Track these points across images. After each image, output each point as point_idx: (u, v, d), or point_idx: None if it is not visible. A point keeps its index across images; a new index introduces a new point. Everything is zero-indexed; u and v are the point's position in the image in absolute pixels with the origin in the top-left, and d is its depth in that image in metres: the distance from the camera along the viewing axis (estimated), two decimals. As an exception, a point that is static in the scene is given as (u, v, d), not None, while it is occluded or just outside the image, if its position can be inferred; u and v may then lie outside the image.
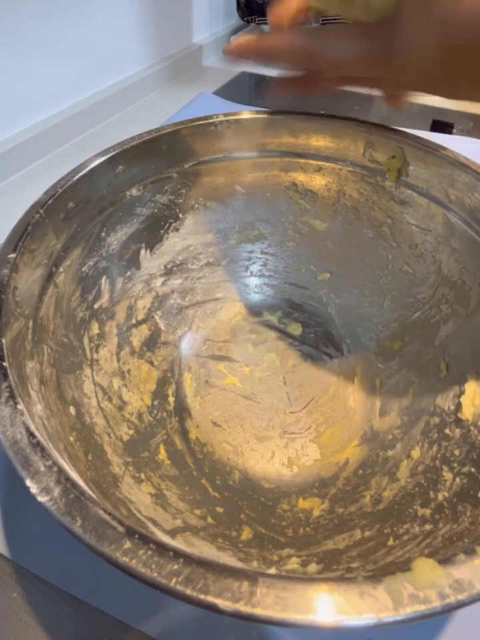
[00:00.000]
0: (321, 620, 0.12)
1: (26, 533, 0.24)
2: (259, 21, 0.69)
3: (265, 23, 0.70)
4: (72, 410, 0.23)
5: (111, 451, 0.24)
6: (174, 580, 0.12)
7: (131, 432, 0.26)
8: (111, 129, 0.54)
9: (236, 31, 0.76)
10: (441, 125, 0.54)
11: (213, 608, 0.12)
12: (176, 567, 0.13)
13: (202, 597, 0.12)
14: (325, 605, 0.12)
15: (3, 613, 0.22)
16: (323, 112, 0.31)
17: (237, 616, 0.12)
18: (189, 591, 0.12)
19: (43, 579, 0.22)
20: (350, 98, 0.62)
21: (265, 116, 0.31)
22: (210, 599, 0.12)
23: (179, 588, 0.12)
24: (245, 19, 0.70)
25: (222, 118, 0.30)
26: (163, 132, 0.29)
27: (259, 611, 0.12)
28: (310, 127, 0.31)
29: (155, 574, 0.12)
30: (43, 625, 0.21)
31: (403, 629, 0.21)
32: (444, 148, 0.28)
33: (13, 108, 0.46)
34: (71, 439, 0.21)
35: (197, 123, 0.29)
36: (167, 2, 0.60)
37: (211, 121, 0.30)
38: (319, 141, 0.31)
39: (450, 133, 0.53)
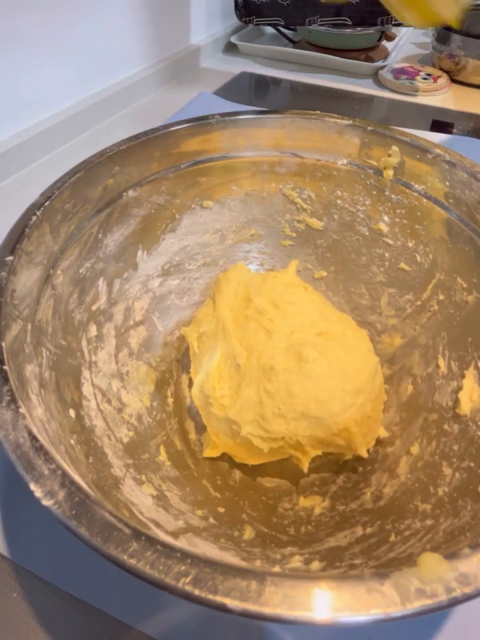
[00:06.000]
0: (328, 617, 0.12)
1: (26, 533, 0.24)
2: (257, 21, 0.69)
3: (264, 24, 0.70)
4: (72, 412, 0.23)
5: (112, 453, 0.24)
6: (182, 581, 0.12)
7: (131, 434, 0.26)
8: (110, 129, 0.54)
9: (234, 31, 0.76)
10: (441, 125, 0.55)
11: (221, 608, 0.12)
12: (183, 567, 0.13)
13: (211, 597, 0.12)
14: (333, 602, 0.12)
15: (3, 612, 0.21)
16: (318, 111, 0.31)
17: (246, 615, 0.12)
18: (197, 592, 0.12)
19: (43, 579, 0.22)
20: (349, 98, 0.63)
21: (261, 116, 0.31)
22: (218, 598, 0.12)
23: (187, 588, 0.12)
24: (243, 19, 0.70)
25: (218, 118, 0.30)
26: (159, 132, 0.29)
27: (267, 610, 0.12)
28: (306, 126, 0.31)
29: (163, 575, 0.12)
30: (43, 625, 0.21)
31: (403, 630, 0.21)
32: (439, 146, 0.28)
33: (13, 108, 0.46)
34: (72, 441, 0.21)
35: (193, 123, 0.29)
36: (165, 3, 0.60)
37: (207, 121, 0.30)
38: (316, 141, 0.31)
39: (450, 132, 0.54)
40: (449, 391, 0.26)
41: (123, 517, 0.14)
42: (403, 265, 0.31)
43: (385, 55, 0.71)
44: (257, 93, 0.67)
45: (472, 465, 0.22)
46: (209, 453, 0.27)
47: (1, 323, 0.19)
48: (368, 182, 0.31)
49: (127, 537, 0.13)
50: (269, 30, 0.80)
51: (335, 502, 0.25)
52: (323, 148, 0.31)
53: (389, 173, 0.30)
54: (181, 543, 0.20)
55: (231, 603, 0.12)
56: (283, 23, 0.68)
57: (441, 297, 0.29)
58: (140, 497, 0.22)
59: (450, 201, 0.28)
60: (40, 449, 0.15)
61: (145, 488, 0.23)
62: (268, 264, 0.36)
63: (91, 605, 0.22)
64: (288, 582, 0.12)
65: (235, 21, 0.74)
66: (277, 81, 0.67)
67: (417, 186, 0.29)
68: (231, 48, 0.75)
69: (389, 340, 0.31)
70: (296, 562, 0.21)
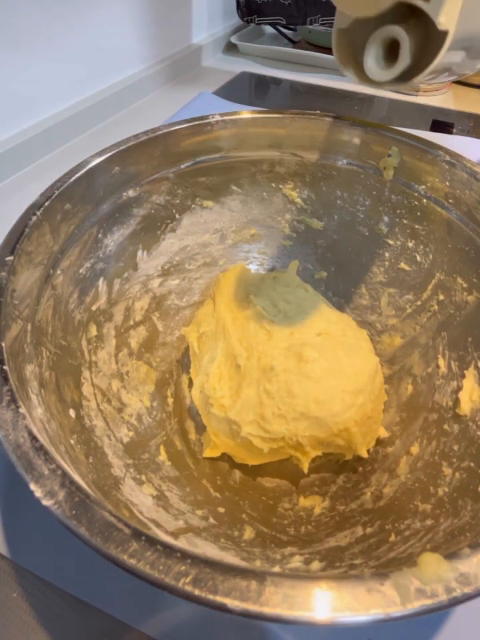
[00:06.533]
0: (328, 617, 0.12)
1: (26, 533, 0.24)
2: (258, 20, 0.69)
3: (265, 23, 0.70)
4: (72, 412, 0.23)
5: (112, 453, 0.24)
6: (182, 581, 0.12)
7: (131, 434, 0.26)
8: (111, 129, 0.54)
9: (235, 31, 0.76)
10: (441, 125, 0.55)
11: (221, 608, 0.12)
12: (183, 567, 0.13)
13: (211, 597, 0.12)
14: (333, 602, 0.12)
15: (3, 612, 0.21)
16: (318, 111, 0.31)
17: (246, 615, 0.12)
18: (197, 592, 0.12)
19: (43, 579, 0.22)
20: (349, 98, 0.63)
21: (261, 115, 0.31)
22: (219, 598, 0.12)
23: (188, 588, 0.12)
24: (245, 19, 0.69)
25: (218, 118, 0.30)
26: (159, 132, 0.29)
27: (267, 610, 0.12)
28: (307, 126, 0.31)
29: (163, 575, 0.12)
30: (43, 625, 0.21)
31: (403, 630, 0.21)
32: (439, 146, 0.28)
33: (13, 108, 0.46)
34: (72, 441, 0.21)
35: (193, 123, 0.29)
36: (166, 3, 0.60)
37: (207, 121, 0.30)
38: (316, 140, 0.31)
39: (450, 132, 0.54)
40: (448, 391, 0.26)
41: (123, 516, 0.14)
42: (403, 265, 0.31)
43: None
44: (257, 92, 0.67)
45: (472, 464, 0.22)
46: (209, 453, 0.27)
47: (1, 323, 0.19)
48: (368, 182, 0.31)
49: (126, 536, 0.13)
50: (269, 30, 0.79)
51: (335, 502, 0.25)
52: (323, 148, 0.31)
53: (389, 173, 0.30)
54: (181, 543, 0.20)
55: (231, 602, 0.12)
56: (284, 23, 0.68)
57: (441, 297, 0.29)
58: (140, 497, 0.22)
59: (450, 200, 0.28)
60: (40, 448, 0.15)
61: (145, 488, 0.23)
62: (268, 264, 0.36)
63: (91, 605, 0.22)
64: (288, 582, 0.12)
65: (235, 21, 0.74)
66: (277, 81, 0.67)
67: (417, 186, 0.29)
68: (231, 48, 0.75)
69: (388, 340, 0.31)
70: (296, 562, 0.21)
